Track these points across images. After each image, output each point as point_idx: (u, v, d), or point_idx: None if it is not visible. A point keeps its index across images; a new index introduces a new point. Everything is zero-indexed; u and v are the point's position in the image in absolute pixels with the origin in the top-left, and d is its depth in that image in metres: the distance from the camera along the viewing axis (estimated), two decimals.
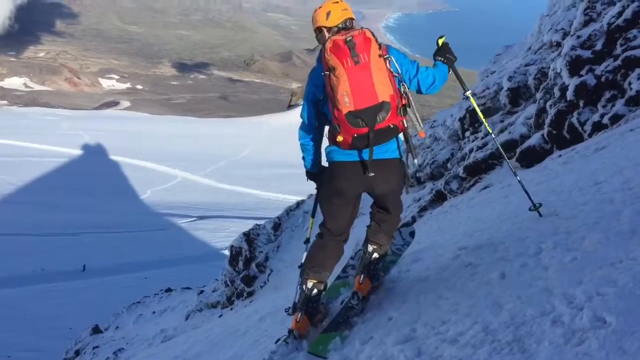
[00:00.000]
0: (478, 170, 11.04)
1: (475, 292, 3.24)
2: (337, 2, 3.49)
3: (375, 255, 3.94)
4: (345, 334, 3.65)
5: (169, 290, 20.42)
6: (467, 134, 13.15)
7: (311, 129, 3.65)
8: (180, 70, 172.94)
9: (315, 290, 3.74)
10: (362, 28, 3.29)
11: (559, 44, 11.03)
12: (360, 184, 3.52)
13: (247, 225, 20.38)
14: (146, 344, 13.27)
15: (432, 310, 3.31)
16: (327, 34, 3.44)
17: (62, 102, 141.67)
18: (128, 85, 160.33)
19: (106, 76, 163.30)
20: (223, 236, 49.49)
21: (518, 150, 9.96)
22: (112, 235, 49.17)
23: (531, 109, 10.72)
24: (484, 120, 4.54)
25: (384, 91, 3.19)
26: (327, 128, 3.63)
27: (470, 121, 13.16)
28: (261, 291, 13.92)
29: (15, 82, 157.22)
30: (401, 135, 3.51)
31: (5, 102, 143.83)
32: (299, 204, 15.12)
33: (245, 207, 62.73)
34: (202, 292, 16.98)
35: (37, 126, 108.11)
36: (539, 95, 10.40)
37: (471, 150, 11.83)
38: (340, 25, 3.44)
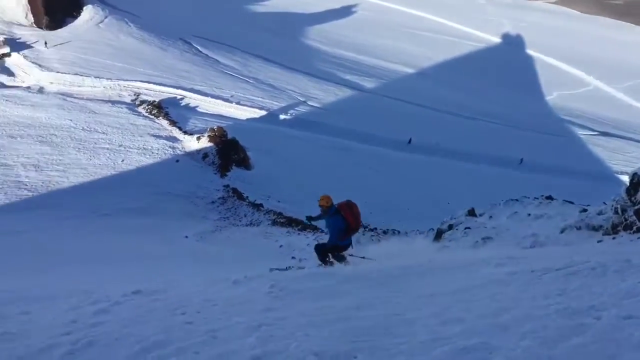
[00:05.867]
0: None
1: None
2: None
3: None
4: None
5: (549, 197, 19.68)
6: None
7: None
8: None
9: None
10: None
11: None
12: None
13: None
14: (514, 243, 13.28)
15: None
16: None
17: None
18: None
19: None
20: (622, 159, 44.90)
21: None
22: (503, 128, 49.41)
23: None
24: None
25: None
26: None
27: None
28: None
29: None
30: None
31: None
32: None
33: None
34: (584, 210, 15.85)
35: (461, 5, 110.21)
36: None
37: None
38: None
